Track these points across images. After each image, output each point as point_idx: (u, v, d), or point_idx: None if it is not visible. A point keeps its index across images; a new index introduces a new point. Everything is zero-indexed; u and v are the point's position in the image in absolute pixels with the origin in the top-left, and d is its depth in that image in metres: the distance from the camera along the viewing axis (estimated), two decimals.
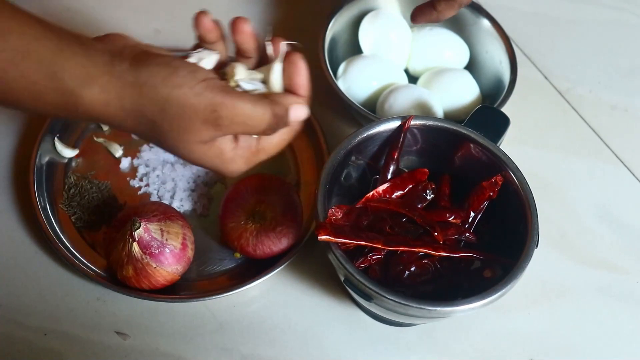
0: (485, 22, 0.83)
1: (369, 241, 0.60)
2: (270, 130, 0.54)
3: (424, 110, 0.75)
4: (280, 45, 0.56)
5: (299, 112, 0.55)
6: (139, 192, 0.74)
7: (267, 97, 0.54)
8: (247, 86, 0.56)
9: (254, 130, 0.53)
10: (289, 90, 0.56)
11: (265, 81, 0.57)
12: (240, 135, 0.55)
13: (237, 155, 0.55)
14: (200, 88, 0.50)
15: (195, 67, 0.52)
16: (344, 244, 0.59)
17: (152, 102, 0.50)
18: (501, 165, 0.64)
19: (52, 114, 0.53)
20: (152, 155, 0.76)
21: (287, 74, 0.56)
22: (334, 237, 0.58)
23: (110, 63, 0.51)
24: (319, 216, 0.60)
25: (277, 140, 0.57)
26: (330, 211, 0.61)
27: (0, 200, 0.73)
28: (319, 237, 0.58)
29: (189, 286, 0.69)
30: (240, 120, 0.52)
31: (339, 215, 0.62)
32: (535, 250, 0.60)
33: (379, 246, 0.60)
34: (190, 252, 0.67)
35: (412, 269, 0.62)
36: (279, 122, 0.54)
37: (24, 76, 0.50)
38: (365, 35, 0.82)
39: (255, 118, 0.52)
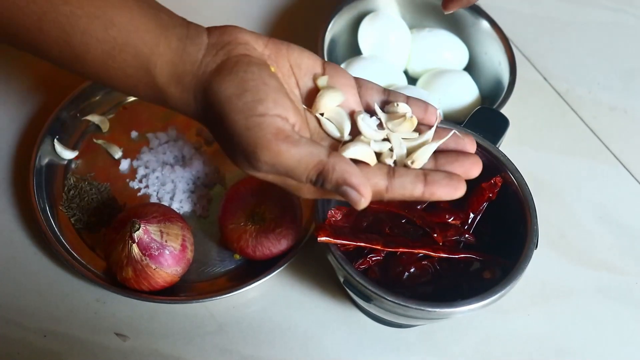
0: (485, 24, 0.83)
1: (369, 242, 0.60)
2: (310, 185, 0.51)
3: None
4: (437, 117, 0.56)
5: (361, 193, 0.50)
6: (139, 194, 0.75)
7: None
8: (331, 129, 0.55)
9: (292, 178, 0.51)
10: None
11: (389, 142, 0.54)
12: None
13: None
14: (252, 123, 0.49)
15: (262, 97, 0.50)
16: (344, 245, 0.60)
17: (214, 116, 0.51)
18: (500, 166, 0.64)
19: (148, 101, 0.56)
20: (151, 156, 0.76)
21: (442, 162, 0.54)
22: (334, 239, 0.59)
23: (199, 65, 0.52)
24: (318, 217, 0.61)
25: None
26: (329, 212, 0.62)
27: None
28: (318, 239, 0.58)
29: (189, 287, 0.69)
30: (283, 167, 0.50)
31: (339, 216, 0.62)
32: (535, 251, 0.60)
33: (379, 247, 0.61)
34: (189, 254, 0.67)
35: (412, 270, 0.62)
36: (325, 183, 0.50)
37: (120, 68, 0.52)
38: (365, 36, 0.82)
39: (299, 171, 0.50)
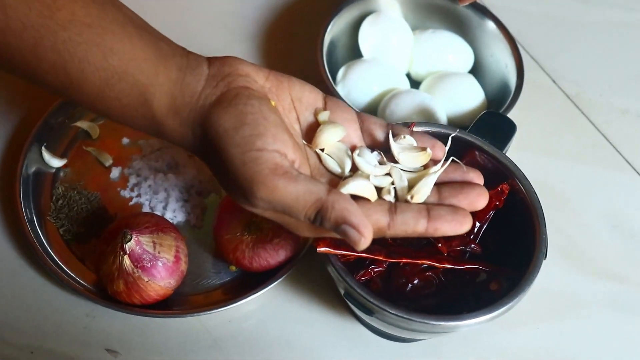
0: (490, 24, 0.83)
1: (370, 253, 0.60)
2: (309, 224, 0.52)
3: (427, 116, 0.76)
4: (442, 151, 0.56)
5: (361, 232, 0.50)
6: (130, 203, 0.75)
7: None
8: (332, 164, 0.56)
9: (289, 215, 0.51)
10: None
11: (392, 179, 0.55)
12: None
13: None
14: (249, 158, 0.50)
15: (261, 132, 0.51)
16: (344, 255, 0.59)
17: (211, 150, 0.52)
18: (507, 173, 0.64)
19: (143, 131, 0.56)
20: (143, 164, 0.76)
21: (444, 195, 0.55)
22: (334, 249, 0.59)
23: (198, 97, 0.53)
24: None
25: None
26: None
27: None
28: (317, 249, 0.58)
29: (183, 301, 0.69)
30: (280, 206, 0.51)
31: None
32: (544, 261, 0.60)
33: (381, 258, 0.61)
34: (183, 265, 0.67)
35: (415, 281, 0.62)
36: (324, 220, 0.51)
37: (117, 98, 0.52)
38: (366, 38, 0.82)
39: (295, 212, 0.51)
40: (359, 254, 0.60)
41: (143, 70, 0.52)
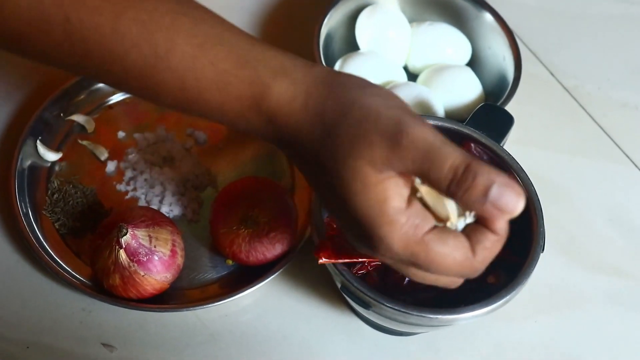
0: (488, 17, 0.83)
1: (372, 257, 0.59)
2: (453, 186, 0.44)
3: (424, 109, 0.76)
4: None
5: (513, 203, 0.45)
6: (126, 197, 0.75)
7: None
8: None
9: (435, 170, 0.44)
10: None
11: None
12: (413, 206, 0.46)
13: (399, 223, 0.45)
14: (394, 104, 0.47)
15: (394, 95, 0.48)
16: (345, 263, 0.59)
17: (338, 103, 0.47)
18: (505, 166, 0.64)
19: (221, 116, 0.51)
20: (139, 158, 0.76)
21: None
22: (335, 258, 0.57)
23: (307, 63, 0.50)
24: (317, 233, 0.60)
25: (447, 261, 0.46)
26: (326, 219, 0.61)
27: None
28: (319, 261, 0.57)
29: (179, 295, 0.69)
30: (422, 148, 0.44)
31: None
32: (542, 255, 0.60)
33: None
34: (180, 259, 0.67)
35: None
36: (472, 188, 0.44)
37: (213, 63, 0.49)
38: (363, 31, 0.82)
39: (441, 153, 0.44)
40: (359, 259, 0.59)
41: (240, 37, 0.50)
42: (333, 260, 0.57)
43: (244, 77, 0.48)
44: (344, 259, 0.58)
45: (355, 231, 0.48)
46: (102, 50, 0.49)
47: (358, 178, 0.45)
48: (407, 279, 0.62)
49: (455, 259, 0.46)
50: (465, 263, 0.47)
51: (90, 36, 0.49)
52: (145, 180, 0.75)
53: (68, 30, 0.49)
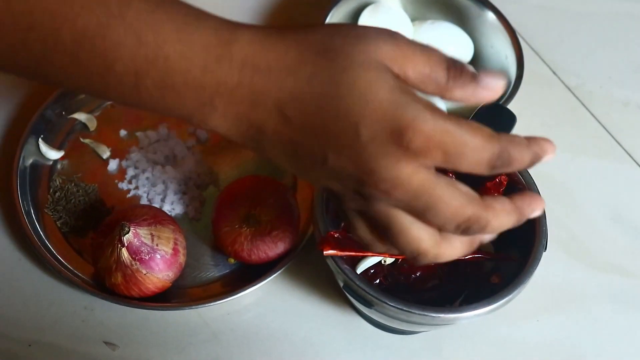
0: (490, 15, 0.83)
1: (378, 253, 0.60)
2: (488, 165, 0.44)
3: None
4: None
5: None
6: (128, 195, 0.75)
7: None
8: None
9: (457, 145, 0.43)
10: None
11: None
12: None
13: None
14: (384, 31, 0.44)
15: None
16: (350, 256, 0.59)
17: (320, 33, 0.44)
18: None
19: (184, 78, 0.43)
20: (141, 156, 0.76)
21: None
22: (339, 251, 0.58)
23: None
24: (319, 230, 0.60)
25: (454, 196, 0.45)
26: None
27: None
28: (324, 253, 0.58)
29: (181, 293, 0.70)
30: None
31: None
32: (544, 254, 0.61)
33: (386, 256, 0.61)
34: (182, 258, 0.68)
35: (417, 273, 0.63)
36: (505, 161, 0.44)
37: (171, 17, 0.44)
38: None
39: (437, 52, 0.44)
40: (364, 253, 0.60)
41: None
42: (338, 252, 0.58)
43: (207, 26, 0.44)
44: (348, 252, 0.58)
45: (350, 169, 0.44)
46: (48, 17, 0.42)
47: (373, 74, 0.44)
48: (411, 277, 0.62)
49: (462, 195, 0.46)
50: (472, 205, 0.46)
51: (35, 3, 0.42)
52: (147, 178, 0.75)
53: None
